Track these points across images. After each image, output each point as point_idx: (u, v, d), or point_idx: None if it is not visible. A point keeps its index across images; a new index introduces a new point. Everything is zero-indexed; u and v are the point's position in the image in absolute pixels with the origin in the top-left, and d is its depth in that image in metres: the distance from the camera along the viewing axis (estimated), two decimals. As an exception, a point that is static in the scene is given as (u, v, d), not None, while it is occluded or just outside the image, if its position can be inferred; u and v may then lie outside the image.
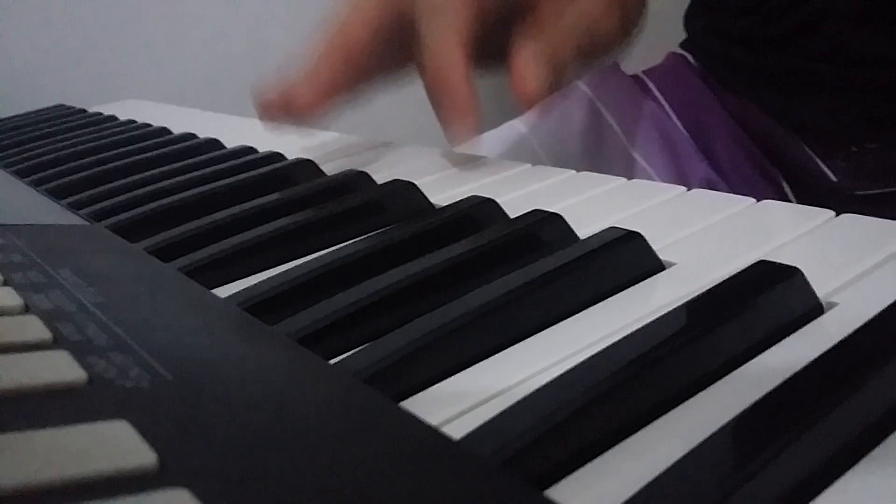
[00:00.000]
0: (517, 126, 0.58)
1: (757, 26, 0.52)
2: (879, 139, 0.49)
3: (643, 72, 0.60)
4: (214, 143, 0.47)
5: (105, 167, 0.44)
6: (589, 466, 0.16)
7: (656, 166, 0.54)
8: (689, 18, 0.60)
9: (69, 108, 0.69)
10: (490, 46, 0.38)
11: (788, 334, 0.20)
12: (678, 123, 0.56)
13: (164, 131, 0.53)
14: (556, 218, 0.28)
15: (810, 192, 0.53)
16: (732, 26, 0.54)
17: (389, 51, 0.38)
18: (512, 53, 0.36)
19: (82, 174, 0.43)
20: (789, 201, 0.52)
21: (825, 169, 0.51)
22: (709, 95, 0.57)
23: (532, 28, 0.37)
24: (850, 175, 0.50)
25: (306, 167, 0.39)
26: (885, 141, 0.49)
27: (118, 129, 0.56)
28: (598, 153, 0.55)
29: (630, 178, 0.33)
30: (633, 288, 0.24)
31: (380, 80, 0.40)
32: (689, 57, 0.60)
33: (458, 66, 0.35)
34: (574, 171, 0.35)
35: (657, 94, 0.58)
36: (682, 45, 0.61)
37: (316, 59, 0.37)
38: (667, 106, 0.57)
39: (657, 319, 0.21)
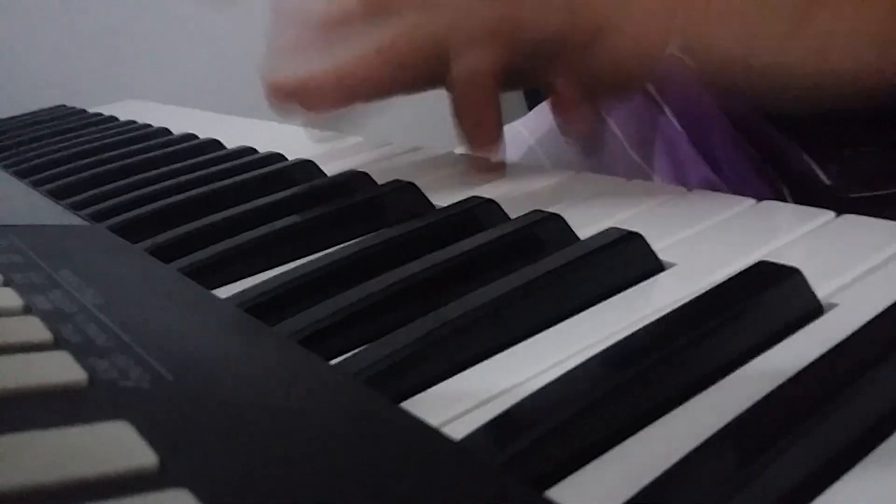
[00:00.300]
0: (517, 127, 0.58)
1: None
2: (873, 142, 0.49)
3: None
4: (215, 144, 0.47)
5: (105, 168, 0.44)
6: (589, 467, 0.16)
7: (656, 168, 0.54)
8: None
9: (70, 108, 0.69)
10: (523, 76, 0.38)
11: (788, 335, 0.20)
12: (677, 125, 0.56)
13: (165, 132, 0.53)
14: (557, 218, 0.28)
15: (808, 195, 0.53)
16: None
17: (421, 75, 0.38)
18: (557, 95, 0.37)
19: (83, 175, 0.43)
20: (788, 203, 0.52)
21: (819, 172, 0.51)
22: (706, 97, 0.57)
23: (568, 68, 0.36)
24: (843, 178, 0.50)
25: (307, 167, 0.39)
26: (878, 143, 0.49)
27: (119, 129, 0.56)
28: (598, 154, 0.55)
29: (629, 179, 0.33)
30: (633, 288, 0.24)
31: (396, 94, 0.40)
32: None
33: (486, 90, 0.35)
34: (574, 172, 0.35)
35: (656, 95, 0.58)
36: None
37: (353, 60, 0.37)
38: (666, 108, 0.57)
39: (657, 320, 0.21)
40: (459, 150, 0.43)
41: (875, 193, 0.49)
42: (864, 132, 0.49)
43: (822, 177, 0.51)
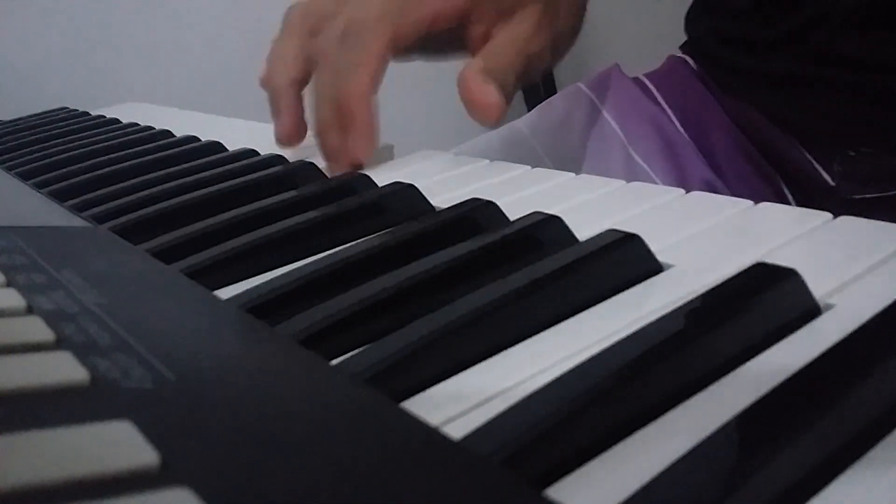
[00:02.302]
0: (518, 126, 0.58)
1: (755, 30, 0.52)
2: (875, 143, 0.49)
3: (644, 75, 0.60)
4: (216, 146, 0.47)
5: (108, 170, 0.44)
6: (588, 466, 0.16)
7: (656, 168, 0.54)
8: (690, 21, 0.60)
9: (72, 110, 0.69)
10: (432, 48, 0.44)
11: (786, 336, 0.20)
12: (678, 126, 0.57)
13: (167, 134, 0.53)
14: (556, 220, 0.28)
15: (809, 196, 0.53)
16: (731, 29, 0.55)
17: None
18: (462, 77, 0.40)
19: (85, 176, 0.43)
20: (788, 204, 0.53)
21: (822, 172, 0.51)
22: (709, 98, 0.57)
23: (474, 53, 0.42)
24: (846, 179, 0.50)
25: (308, 169, 0.39)
26: (880, 145, 0.49)
27: (121, 131, 0.56)
28: (599, 154, 0.55)
29: (630, 179, 0.34)
30: (631, 290, 0.24)
31: None
32: (690, 60, 0.60)
33: (363, 96, 0.39)
34: (573, 174, 0.35)
35: (658, 96, 0.58)
36: (683, 49, 0.61)
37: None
38: (667, 108, 0.57)
39: (655, 321, 0.21)
40: (455, 151, 0.43)
41: (878, 195, 0.50)
42: (866, 134, 0.49)
43: (826, 177, 0.51)
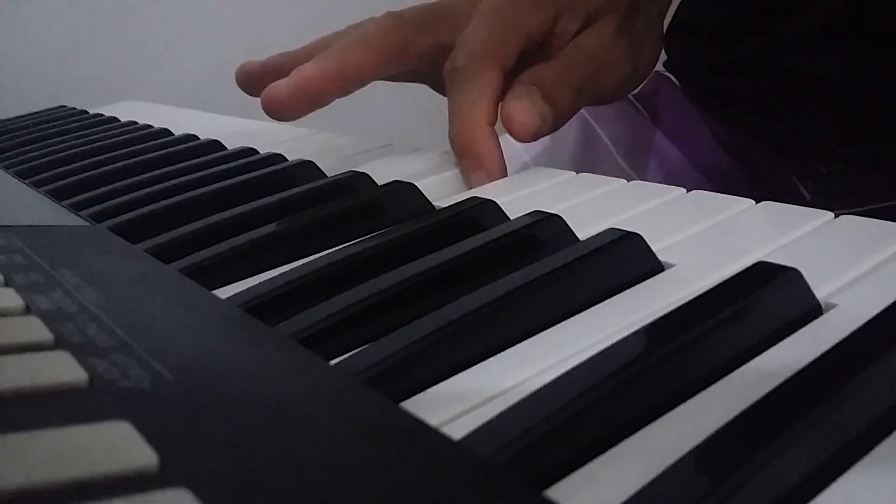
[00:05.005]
0: (509, 139, 0.58)
1: (721, 52, 0.53)
2: (845, 160, 0.49)
3: (632, 95, 0.60)
4: (215, 145, 0.47)
5: (106, 168, 0.44)
6: (588, 467, 0.16)
7: (647, 176, 0.55)
8: (668, 41, 0.60)
9: (70, 109, 0.69)
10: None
11: (787, 335, 0.20)
12: (668, 141, 0.57)
13: (166, 132, 0.53)
14: (556, 219, 0.28)
15: None
16: (701, 52, 0.55)
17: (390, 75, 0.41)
18: (507, 89, 0.38)
19: (83, 175, 0.43)
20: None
21: (800, 187, 0.52)
22: (693, 115, 0.58)
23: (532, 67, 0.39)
24: (819, 195, 0.51)
25: (307, 168, 0.39)
26: (850, 162, 0.49)
27: (119, 130, 0.56)
28: (591, 168, 0.56)
29: None
30: (632, 289, 0.24)
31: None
32: (672, 78, 0.60)
33: (484, 133, 0.37)
34: (574, 173, 0.35)
35: (644, 112, 0.58)
36: (665, 66, 0.61)
37: (312, 64, 0.39)
38: (656, 123, 0.58)
39: (656, 320, 0.21)
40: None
41: (850, 211, 0.50)
42: (836, 151, 0.50)
43: (804, 192, 0.52)
